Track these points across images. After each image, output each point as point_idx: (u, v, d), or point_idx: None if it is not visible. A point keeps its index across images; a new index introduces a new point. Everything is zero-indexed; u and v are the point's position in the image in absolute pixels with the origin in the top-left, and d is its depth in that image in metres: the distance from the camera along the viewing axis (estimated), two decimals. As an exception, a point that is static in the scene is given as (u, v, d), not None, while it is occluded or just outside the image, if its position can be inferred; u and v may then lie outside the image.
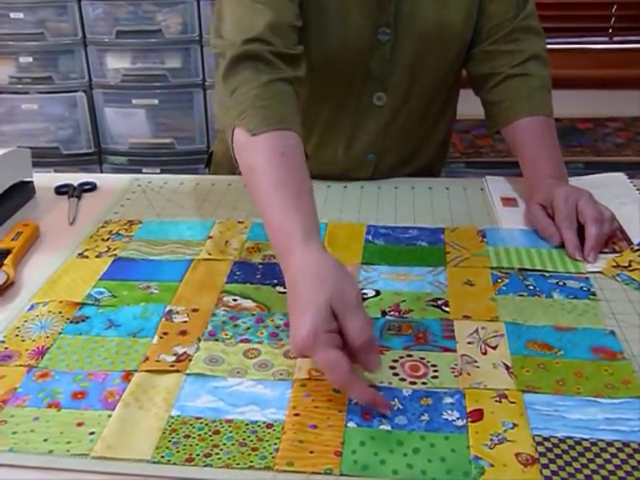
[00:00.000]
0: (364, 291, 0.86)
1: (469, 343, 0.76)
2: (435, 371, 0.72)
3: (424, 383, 0.71)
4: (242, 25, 0.96)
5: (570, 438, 0.64)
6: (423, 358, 0.74)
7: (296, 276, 0.72)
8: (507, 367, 0.72)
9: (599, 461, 0.61)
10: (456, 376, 0.71)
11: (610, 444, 0.63)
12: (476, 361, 0.73)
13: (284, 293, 0.86)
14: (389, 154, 1.19)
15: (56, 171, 2.23)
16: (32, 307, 0.84)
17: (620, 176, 1.16)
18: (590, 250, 0.92)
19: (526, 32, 1.13)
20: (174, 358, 0.75)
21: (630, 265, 0.90)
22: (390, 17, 1.06)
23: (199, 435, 0.65)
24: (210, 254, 0.95)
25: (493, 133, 1.18)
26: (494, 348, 0.75)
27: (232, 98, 0.92)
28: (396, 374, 0.72)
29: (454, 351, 0.75)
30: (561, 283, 0.87)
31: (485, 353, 0.75)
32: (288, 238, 0.76)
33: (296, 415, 0.67)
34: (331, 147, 1.18)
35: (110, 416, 0.67)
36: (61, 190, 1.17)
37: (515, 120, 1.10)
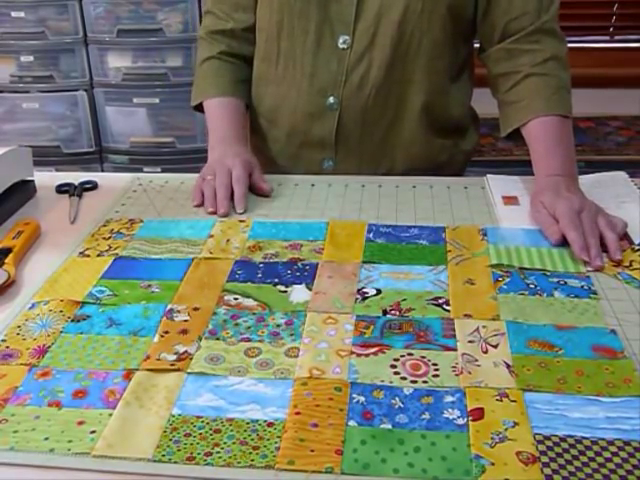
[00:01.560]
0: (365, 290, 0.86)
1: (470, 342, 0.76)
2: (436, 370, 0.72)
3: (425, 382, 0.71)
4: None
5: (571, 437, 0.64)
6: (424, 357, 0.74)
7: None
8: (508, 366, 0.72)
9: (600, 460, 0.61)
10: (457, 375, 0.71)
11: (611, 443, 0.63)
12: (477, 360, 0.73)
13: (285, 292, 0.86)
14: (352, 107, 1.18)
15: (57, 170, 2.23)
16: (33, 306, 0.85)
17: (621, 175, 1.16)
18: (594, 257, 0.91)
19: (548, 34, 1.13)
20: (175, 357, 0.75)
21: (631, 264, 0.90)
22: None
23: (200, 434, 0.65)
24: (211, 253, 0.95)
25: (506, 135, 1.16)
26: (495, 347, 0.75)
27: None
28: (397, 373, 0.72)
29: (455, 350, 0.75)
30: (562, 282, 0.87)
31: (486, 352, 0.75)
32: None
33: (297, 414, 0.67)
34: (294, 83, 1.21)
35: (111, 415, 0.67)
36: (62, 189, 1.17)
37: (533, 119, 1.10)
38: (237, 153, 1.15)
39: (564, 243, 0.94)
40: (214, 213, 1.05)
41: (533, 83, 1.12)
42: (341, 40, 1.15)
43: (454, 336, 0.77)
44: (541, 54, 1.12)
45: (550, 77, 1.11)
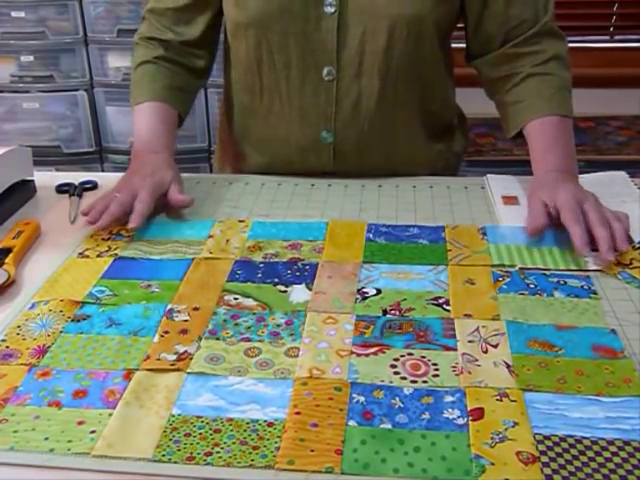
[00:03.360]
0: (365, 289, 0.86)
1: (470, 342, 0.76)
2: (436, 370, 0.72)
3: (425, 382, 0.71)
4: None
5: (571, 437, 0.64)
6: (424, 357, 0.74)
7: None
8: (508, 366, 0.72)
9: (600, 460, 0.61)
10: (457, 375, 0.71)
11: (611, 443, 0.63)
12: (477, 360, 0.73)
13: (285, 292, 0.86)
14: (347, 139, 1.16)
15: (57, 170, 2.23)
16: (33, 306, 0.84)
17: (621, 175, 1.16)
18: (606, 251, 0.89)
19: (548, 35, 1.12)
20: (175, 357, 0.75)
21: (631, 263, 0.90)
22: None
23: (200, 434, 0.65)
24: (211, 253, 0.95)
25: (512, 136, 1.15)
26: (495, 347, 0.75)
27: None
28: (397, 372, 0.72)
29: (455, 350, 0.75)
30: (562, 282, 0.87)
31: (486, 352, 0.75)
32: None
33: (297, 414, 0.67)
34: (282, 117, 1.17)
35: (111, 415, 0.67)
36: (62, 189, 1.17)
37: (536, 118, 1.09)
38: (153, 170, 1.07)
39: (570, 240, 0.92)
40: (90, 222, 0.99)
41: (534, 82, 1.11)
42: (325, 71, 1.11)
43: (454, 336, 0.77)
44: (542, 55, 1.11)
45: (551, 77, 1.11)
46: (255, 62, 1.14)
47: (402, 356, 0.74)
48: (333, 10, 1.08)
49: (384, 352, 0.75)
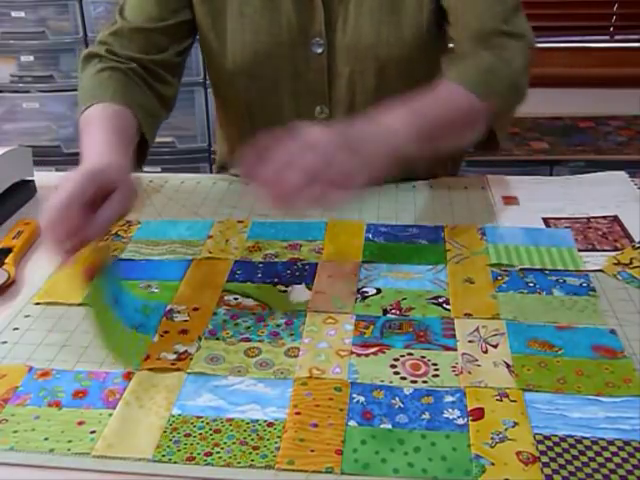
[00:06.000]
0: (365, 289, 0.86)
1: (470, 342, 0.76)
2: (436, 370, 0.72)
3: (425, 382, 0.71)
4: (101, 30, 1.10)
5: (571, 437, 0.64)
6: (424, 357, 0.74)
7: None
8: (508, 366, 0.72)
9: (600, 460, 0.61)
10: (457, 375, 0.71)
11: (611, 443, 0.63)
12: (477, 360, 0.73)
13: (285, 292, 0.86)
14: None
15: (57, 170, 2.23)
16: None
17: (621, 174, 1.16)
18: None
19: (509, 37, 1.02)
20: (175, 356, 0.75)
21: (631, 262, 0.90)
22: (321, 26, 1.04)
23: (200, 434, 0.65)
24: (211, 253, 0.95)
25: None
26: (495, 347, 0.75)
27: (79, 91, 1.03)
28: (397, 372, 0.72)
29: (455, 350, 0.75)
30: (561, 280, 0.87)
31: (486, 352, 0.75)
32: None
33: (297, 414, 0.67)
34: None
35: (111, 415, 0.67)
36: (62, 189, 1.17)
37: (446, 82, 0.97)
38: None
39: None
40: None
41: (465, 59, 1.03)
42: (318, 110, 1.10)
43: (454, 336, 0.77)
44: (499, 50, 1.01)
45: (482, 59, 1.00)
46: (244, 105, 1.13)
47: (402, 356, 0.74)
48: (321, 50, 1.06)
49: (384, 352, 0.75)
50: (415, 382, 0.71)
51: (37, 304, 0.85)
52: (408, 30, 1.05)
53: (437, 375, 0.71)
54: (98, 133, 0.89)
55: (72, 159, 2.45)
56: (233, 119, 1.18)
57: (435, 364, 0.73)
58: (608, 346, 0.75)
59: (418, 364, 0.73)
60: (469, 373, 0.71)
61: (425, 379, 0.71)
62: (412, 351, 0.75)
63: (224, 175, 1.22)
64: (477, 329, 0.78)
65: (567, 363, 0.73)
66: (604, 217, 1.02)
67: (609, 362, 0.73)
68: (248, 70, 1.08)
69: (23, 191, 1.13)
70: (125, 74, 1.03)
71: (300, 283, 0.88)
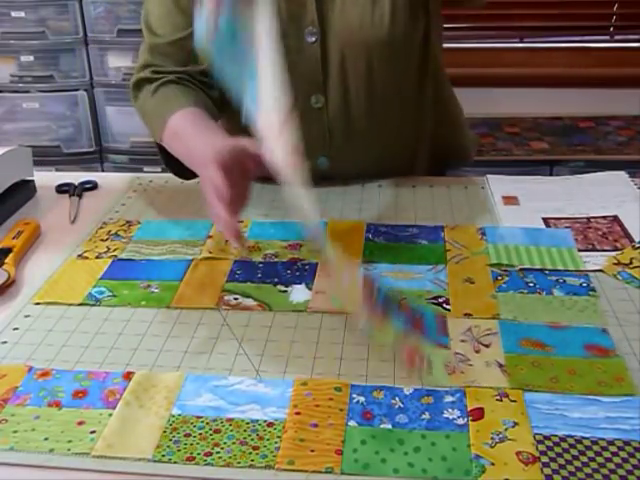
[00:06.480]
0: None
1: (462, 341, 0.76)
2: (429, 367, 0.72)
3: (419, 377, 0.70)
4: (138, 54, 1.13)
5: (571, 437, 0.64)
6: (418, 347, 0.72)
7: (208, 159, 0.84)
8: (500, 365, 0.72)
9: (600, 460, 0.61)
10: (450, 374, 0.71)
11: (611, 443, 0.63)
12: (469, 359, 0.73)
13: (285, 292, 0.86)
14: (344, 161, 1.15)
15: (57, 170, 2.23)
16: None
17: (621, 174, 1.16)
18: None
19: None
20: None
21: (631, 262, 0.90)
22: (314, 15, 1.05)
23: (200, 434, 0.65)
24: (210, 253, 0.95)
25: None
26: (487, 346, 0.75)
27: (145, 120, 1.08)
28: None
29: (448, 348, 0.75)
30: (561, 280, 0.87)
31: (478, 351, 0.75)
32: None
33: (297, 414, 0.67)
34: None
35: (111, 415, 0.68)
36: (62, 189, 1.17)
37: None
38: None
39: None
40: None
41: None
42: (313, 100, 1.10)
43: (447, 334, 0.77)
44: None
45: None
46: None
47: (399, 339, 0.73)
48: (314, 39, 1.07)
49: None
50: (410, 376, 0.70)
51: (37, 304, 0.85)
52: (390, 9, 1.06)
53: (430, 373, 0.71)
54: (204, 129, 0.96)
55: (72, 159, 2.47)
56: (230, 116, 1.18)
57: (429, 361, 0.72)
58: (600, 345, 0.75)
59: (412, 354, 0.72)
60: (462, 373, 0.71)
61: (418, 371, 0.71)
62: (408, 338, 0.73)
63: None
64: (470, 329, 0.78)
65: (560, 362, 0.73)
66: (604, 217, 1.02)
67: (601, 361, 0.73)
68: None
69: (23, 191, 1.13)
70: (180, 84, 1.06)
71: (300, 283, 0.88)
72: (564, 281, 0.87)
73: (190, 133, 0.96)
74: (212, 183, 0.81)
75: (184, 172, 1.04)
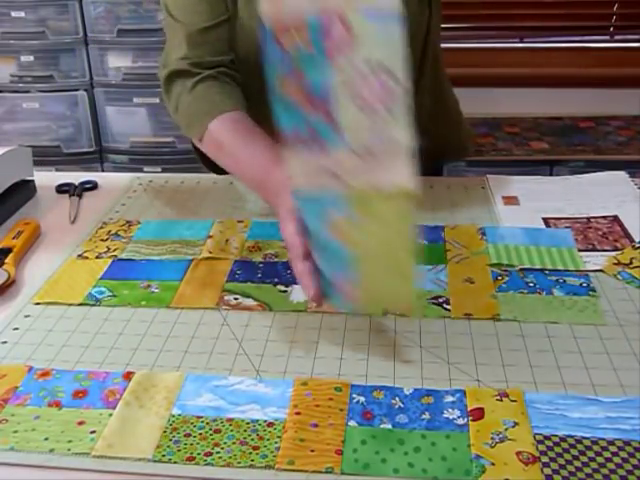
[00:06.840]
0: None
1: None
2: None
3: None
4: (167, 47, 1.08)
5: (571, 437, 0.64)
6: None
7: (280, 188, 0.80)
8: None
9: (600, 460, 0.61)
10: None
11: (611, 443, 0.63)
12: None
13: (285, 292, 0.86)
14: None
15: (57, 170, 2.23)
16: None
17: (621, 174, 1.16)
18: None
19: None
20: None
21: (631, 262, 0.90)
22: None
23: (200, 434, 0.65)
24: (210, 253, 0.95)
25: None
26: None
27: (177, 115, 1.05)
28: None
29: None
30: (561, 280, 0.87)
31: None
32: (261, 165, 0.89)
33: (297, 414, 0.67)
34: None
35: (111, 415, 0.68)
36: (62, 189, 1.17)
37: None
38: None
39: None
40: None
41: None
42: None
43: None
44: None
45: None
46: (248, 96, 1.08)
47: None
48: None
49: None
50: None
51: (37, 304, 0.85)
52: None
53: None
54: (250, 142, 0.94)
55: (72, 159, 2.47)
56: (258, 105, 1.17)
57: None
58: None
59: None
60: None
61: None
62: None
63: (224, 175, 1.22)
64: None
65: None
66: (604, 217, 1.02)
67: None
68: (255, 61, 1.08)
69: (23, 191, 1.13)
70: (218, 80, 1.03)
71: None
72: (564, 281, 0.87)
73: (239, 149, 0.95)
74: (287, 242, 0.78)
75: (220, 169, 1.06)
